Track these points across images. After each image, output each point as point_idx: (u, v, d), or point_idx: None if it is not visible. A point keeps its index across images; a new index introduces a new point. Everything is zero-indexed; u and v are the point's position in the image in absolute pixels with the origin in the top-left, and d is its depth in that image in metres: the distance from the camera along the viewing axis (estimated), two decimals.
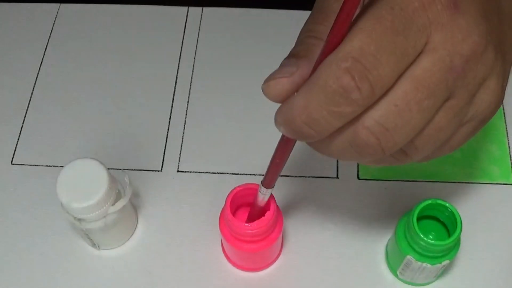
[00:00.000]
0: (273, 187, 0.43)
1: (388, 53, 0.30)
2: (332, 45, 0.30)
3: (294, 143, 0.37)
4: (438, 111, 0.32)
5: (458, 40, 0.31)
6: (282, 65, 0.34)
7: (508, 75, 0.36)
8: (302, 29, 0.36)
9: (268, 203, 0.46)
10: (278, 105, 0.34)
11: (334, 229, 0.53)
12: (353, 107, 0.30)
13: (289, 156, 0.39)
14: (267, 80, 0.34)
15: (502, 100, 0.36)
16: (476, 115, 0.35)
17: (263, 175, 0.56)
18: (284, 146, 0.38)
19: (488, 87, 0.33)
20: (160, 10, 0.67)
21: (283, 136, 0.37)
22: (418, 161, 0.36)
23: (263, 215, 0.46)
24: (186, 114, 0.60)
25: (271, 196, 0.46)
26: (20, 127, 0.60)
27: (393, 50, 0.30)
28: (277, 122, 0.34)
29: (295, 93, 0.32)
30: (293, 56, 0.34)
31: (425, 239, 0.44)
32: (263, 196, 0.44)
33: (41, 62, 0.64)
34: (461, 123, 0.34)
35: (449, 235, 0.46)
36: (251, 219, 0.47)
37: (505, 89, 0.35)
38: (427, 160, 0.36)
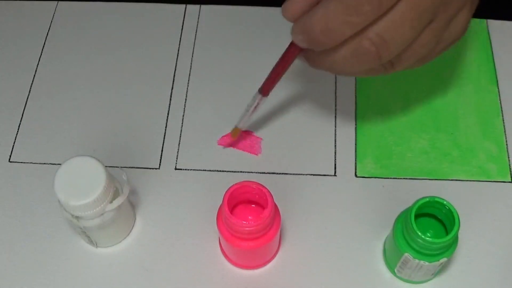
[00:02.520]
0: (267, 95, 0.49)
1: None
2: None
3: (297, 55, 0.44)
4: (423, 30, 0.41)
5: None
6: None
7: (474, 9, 0.46)
8: None
9: (265, 200, 0.46)
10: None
11: (331, 226, 0.53)
12: (363, 18, 0.38)
13: (289, 66, 0.45)
14: (285, 3, 0.41)
15: (466, 30, 0.45)
16: (448, 38, 0.44)
17: (260, 172, 0.56)
18: (289, 57, 0.45)
19: (461, 17, 0.43)
20: (157, 7, 0.67)
21: (290, 47, 0.44)
22: (399, 71, 0.44)
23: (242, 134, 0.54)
24: (184, 111, 0.60)
25: (269, 193, 0.46)
26: (18, 124, 0.60)
27: None
28: (294, 32, 0.41)
29: (316, 6, 0.39)
30: None
31: (423, 236, 0.44)
32: (256, 103, 0.50)
33: (39, 60, 0.64)
34: (437, 42, 0.43)
35: (447, 233, 0.46)
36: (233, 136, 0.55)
37: (469, 22, 0.45)
38: (406, 69, 0.45)
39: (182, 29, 0.66)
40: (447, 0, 0.40)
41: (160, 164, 0.57)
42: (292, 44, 0.44)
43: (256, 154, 0.57)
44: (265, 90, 0.49)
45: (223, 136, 0.58)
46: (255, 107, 0.51)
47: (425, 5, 0.39)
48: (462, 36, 0.45)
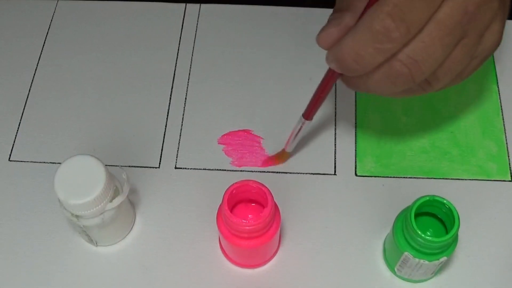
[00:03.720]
0: (311, 119, 0.50)
1: (420, 0, 0.38)
2: None
3: (336, 79, 0.45)
4: (455, 48, 0.41)
5: None
6: (330, 20, 0.43)
7: (506, 19, 0.45)
8: None
9: (265, 199, 0.46)
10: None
11: (331, 225, 0.54)
12: (393, 44, 0.39)
13: (330, 90, 0.47)
14: (319, 33, 0.42)
15: (501, 40, 0.44)
16: (483, 51, 0.43)
17: (260, 171, 0.56)
18: (328, 81, 0.46)
19: (493, 29, 0.42)
20: (157, 6, 0.67)
21: (328, 72, 0.45)
22: (437, 90, 0.44)
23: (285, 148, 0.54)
24: (184, 111, 0.60)
25: (269, 192, 0.46)
26: (18, 123, 0.60)
27: None
28: (328, 60, 0.43)
29: (346, 36, 0.40)
30: (337, 11, 0.43)
31: (423, 235, 0.44)
32: (300, 126, 0.51)
33: (39, 59, 0.64)
34: (472, 58, 0.43)
35: (447, 232, 0.46)
36: (281, 159, 0.56)
37: (503, 32, 0.44)
38: (444, 88, 0.45)
39: (182, 28, 0.66)
40: (476, 14, 0.40)
41: (160, 163, 0.57)
42: (329, 69, 0.45)
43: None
44: (308, 115, 0.50)
45: (223, 136, 0.58)
46: (299, 131, 0.52)
47: (453, 23, 0.39)
48: (496, 48, 0.45)
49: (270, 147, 0.58)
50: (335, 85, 0.61)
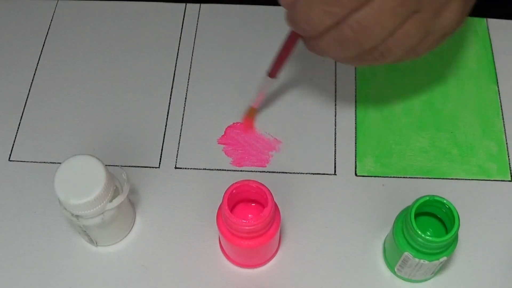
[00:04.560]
0: (275, 77, 0.52)
1: None
2: None
3: (297, 39, 0.47)
4: (407, 20, 0.41)
5: None
6: None
7: (471, 5, 0.45)
8: None
9: (265, 199, 0.46)
10: None
11: (331, 225, 0.54)
12: (341, 8, 0.40)
13: (292, 49, 0.49)
14: None
15: (462, 22, 0.45)
16: (439, 29, 0.43)
17: (260, 171, 0.56)
18: (289, 40, 0.48)
19: (451, 8, 0.42)
20: (157, 6, 0.67)
21: (290, 32, 0.47)
22: (390, 62, 0.44)
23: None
24: (184, 110, 0.60)
25: (269, 192, 0.46)
26: (18, 123, 0.60)
27: None
28: (286, 20, 0.44)
29: None
30: None
31: (423, 235, 0.44)
32: (265, 85, 0.53)
33: (39, 59, 0.64)
34: (427, 33, 0.43)
35: (447, 232, 0.46)
36: (249, 117, 0.58)
37: (467, 13, 0.45)
38: (399, 62, 0.45)
39: (182, 28, 0.66)
40: None
41: (160, 163, 0.57)
42: (291, 30, 0.47)
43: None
44: (272, 73, 0.52)
45: (222, 136, 0.58)
46: (266, 89, 0.54)
47: None
48: (455, 29, 0.45)
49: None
50: (335, 84, 0.61)
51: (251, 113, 0.58)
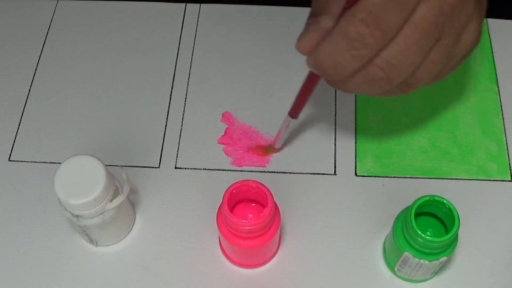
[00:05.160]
0: (297, 118, 0.51)
1: (394, 5, 0.38)
2: (351, 2, 0.39)
3: (319, 80, 0.46)
4: (432, 49, 0.41)
5: None
6: (307, 25, 0.43)
7: (483, 19, 0.45)
8: None
9: (265, 199, 0.46)
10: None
11: (331, 225, 0.53)
12: (368, 50, 0.39)
13: (313, 90, 0.48)
14: (299, 39, 0.43)
15: (479, 40, 0.45)
16: (460, 51, 0.43)
17: (260, 171, 0.56)
18: (310, 82, 0.47)
19: (470, 29, 0.42)
20: (157, 6, 0.67)
21: (310, 73, 0.46)
22: (416, 89, 0.44)
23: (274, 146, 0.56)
24: (184, 110, 0.60)
25: (269, 192, 0.46)
26: (18, 123, 0.60)
27: (398, 2, 0.38)
28: (308, 64, 0.43)
29: (322, 42, 0.41)
30: (314, 15, 0.42)
31: (423, 235, 0.44)
32: (286, 124, 0.52)
33: (39, 59, 0.64)
34: (450, 58, 0.43)
35: (447, 232, 0.46)
36: (267, 152, 0.57)
37: (481, 30, 0.45)
38: (424, 86, 0.45)
39: (182, 28, 0.66)
40: (452, 15, 0.40)
41: (160, 163, 0.57)
42: (311, 72, 0.46)
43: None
44: (294, 113, 0.51)
45: (222, 136, 0.58)
46: (287, 129, 0.53)
47: (429, 25, 0.39)
48: (474, 47, 0.45)
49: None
50: None
51: (270, 151, 0.57)
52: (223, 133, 0.58)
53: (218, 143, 0.58)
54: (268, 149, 0.57)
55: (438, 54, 0.41)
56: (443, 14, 0.39)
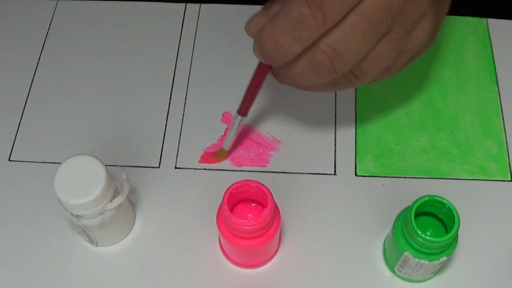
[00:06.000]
0: (246, 115, 0.50)
1: None
2: None
3: (267, 72, 0.45)
4: (379, 42, 0.40)
5: None
6: (260, 9, 0.42)
7: (442, 18, 0.44)
8: None
9: (265, 199, 0.46)
10: None
11: (331, 225, 0.54)
12: (309, 32, 0.39)
13: (262, 84, 0.47)
14: (248, 21, 0.43)
15: (434, 39, 0.44)
16: (411, 48, 0.43)
17: (260, 171, 0.56)
18: (259, 75, 0.46)
19: (422, 26, 0.42)
20: (157, 6, 0.67)
21: (259, 65, 0.46)
22: (366, 83, 0.44)
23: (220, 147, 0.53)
24: (184, 110, 0.60)
25: (269, 192, 0.46)
26: (18, 123, 0.60)
27: None
28: (254, 49, 0.42)
29: (266, 24, 0.40)
30: (269, 2, 0.42)
31: (423, 235, 0.44)
32: (237, 124, 0.51)
33: (39, 59, 0.64)
34: (399, 54, 0.42)
35: (447, 232, 0.46)
36: (219, 158, 0.56)
37: (438, 30, 0.44)
38: (373, 82, 0.45)
39: (182, 28, 0.66)
40: (402, 10, 0.39)
41: (160, 163, 0.57)
42: (259, 63, 0.45)
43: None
44: (243, 111, 0.50)
45: (222, 136, 0.58)
46: (237, 128, 0.52)
47: (377, 18, 0.39)
48: (428, 46, 0.44)
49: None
50: None
51: (221, 155, 0.56)
52: (223, 133, 0.58)
53: (218, 143, 0.58)
54: (218, 154, 0.56)
55: (386, 48, 0.41)
56: (392, 8, 0.39)
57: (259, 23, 0.42)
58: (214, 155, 0.56)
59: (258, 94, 0.48)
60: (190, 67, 0.63)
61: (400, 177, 0.56)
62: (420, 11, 0.41)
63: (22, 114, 0.60)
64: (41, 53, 0.64)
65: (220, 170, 0.56)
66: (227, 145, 0.55)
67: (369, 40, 0.40)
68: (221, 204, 0.47)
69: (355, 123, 0.59)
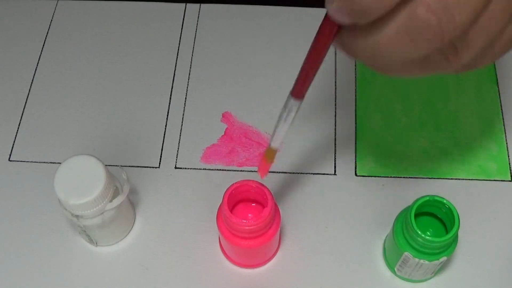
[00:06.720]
0: (303, 98, 0.37)
1: None
2: None
3: (333, 38, 0.33)
4: (491, 0, 0.30)
5: None
6: None
7: None
8: None
9: (265, 199, 0.46)
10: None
11: (331, 225, 0.53)
12: None
13: (324, 56, 0.34)
14: None
15: None
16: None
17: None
18: (323, 41, 0.33)
19: None
20: (157, 6, 0.67)
21: (323, 27, 0.32)
22: (463, 64, 0.33)
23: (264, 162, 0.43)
24: (184, 110, 0.60)
25: (269, 192, 0.46)
26: (18, 124, 0.60)
27: None
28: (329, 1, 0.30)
29: None
30: None
31: (423, 235, 0.44)
32: (287, 113, 0.38)
33: (39, 59, 0.64)
34: (510, 19, 0.32)
35: (447, 232, 0.46)
36: (270, 159, 0.43)
37: None
38: (471, 67, 0.34)
39: (182, 28, 0.66)
40: None
41: (160, 163, 0.57)
42: (326, 22, 0.32)
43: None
44: (299, 92, 0.37)
45: (222, 136, 0.58)
46: (289, 117, 0.39)
47: None
48: None
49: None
50: (335, 83, 0.61)
51: (270, 155, 0.44)
52: (223, 133, 0.58)
53: (218, 143, 0.58)
54: (267, 155, 0.44)
55: (498, 8, 0.31)
56: None
57: None
58: (264, 159, 0.44)
59: (318, 70, 0.35)
60: (190, 67, 0.63)
61: (400, 177, 0.56)
62: None
63: (22, 114, 0.60)
64: (41, 53, 0.64)
65: (220, 170, 0.56)
66: (276, 142, 0.41)
67: None
68: (221, 204, 0.47)
69: (355, 123, 0.59)
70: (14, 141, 0.59)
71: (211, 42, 0.65)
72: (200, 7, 0.67)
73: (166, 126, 0.59)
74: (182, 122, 0.59)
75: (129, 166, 0.57)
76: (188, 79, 0.62)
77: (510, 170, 0.56)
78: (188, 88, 0.62)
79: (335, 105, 0.60)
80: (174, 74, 0.62)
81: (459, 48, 0.32)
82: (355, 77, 0.62)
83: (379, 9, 0.29)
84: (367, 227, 0.53)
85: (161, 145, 0.58)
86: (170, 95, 0.61)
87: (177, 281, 0.51)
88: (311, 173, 0.56)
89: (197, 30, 0.65)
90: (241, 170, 0.56)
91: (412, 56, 0.31)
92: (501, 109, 0.60)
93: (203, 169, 0.57)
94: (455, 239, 0.46)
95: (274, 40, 0.64)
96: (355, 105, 0.60)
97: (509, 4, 0.31)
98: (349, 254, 0.52)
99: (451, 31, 0.30)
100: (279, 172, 0.56)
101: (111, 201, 0.48)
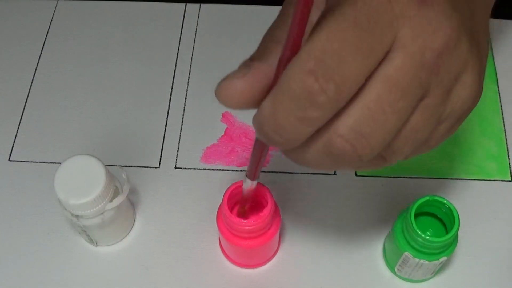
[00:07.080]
0: (258, 178, 0.41)
1: (354, 50, 0.28)
2: (292, 47, 0.29)
3: (267, 147, 0.36)
4: (414, 111, 0.31)
5: (428, 33, 0.29)
6: (237, 69, 0.33)
7: (485, 67, 0.35)
8: (264, 34, 0.35)
9: (265, 199, 0.46)
10: None
11: (331, 225, 0.54)
12: (321, 111, 0.29)
13: (266, 153, 0.37)
14: (219, 83, 0.32)
15: (480, 94, 0.34)
16: (453, 112, 0.33)
17: (261, 171, 0.56)
18: (260, 147, 0.36)
19: (464, 81, 0.32)
20: (157, 6, 0.67)
21: (256, 141, 0.36)
22: (394, 163, 0.34)
23: (259, 209, 0.46)
24: (184, 110, 0.60)
25: (269, 192, 0.46)
26: (18, 123, 0.60)
27: (359, 47, 0.28)
28: (253, 124, 0.32)
29: (265, 99, 0.31)
30: (249, 59, 0.33)
31: (423, 235, 0.44)
32: (248, 187, 0.42)
33: (39, 59, 0.64)
34: (438, 122, 0.33)
35: (447, 232, 0.46)
36: (242, 215, 0.46)
37: (482, 82, 0.34)
38: (405, 159, 0.35)
39: (182, 28, 0.66)
40: (438, 64, 0.30)
41: (160, 163, 0.57)
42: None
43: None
44: (252, 175, 0.41)
45: (222, 136, 0.58)
46: (249, 190, 0.43)
47: (408, 79, 0.29)
48: (473, 106, 0.35)
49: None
50: None
51: (242, 211, 0.47)
52: (223, 133, 0.58)
53: (218, 143, 0.58)
54: (241, 210, 0.47)
55: (422, 118, 0.31)
56: (425, 65, 0.30)
57: (234, 87, 0.32)
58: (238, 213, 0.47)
59: (264, 157, 0.38)
60: (190, 67, 0.63)
61: (400, 177, 0.56)
62: (460, 62, 0.31)
63: (22, 114, 0.60)
64: (41, 53, 0.64)
65: (220, 170, 0.56)
66: (243, 202, 0.46)
67: (401, 113, 0.30)
68: (221, 204, 0.47)
69: None
70: (14, 141, 0.59)
71: (211, 42, 0.65)
72: (200, 7, 0.67)
73: (166, 126, 0.59)
74: (182, 122, 0.59)
75: (129, 166, 0.57)
76: (188, 79, 0.62)
77: (510, 170, 0.56)
78: (188, 88, 0.62)
79: None
80: (174, 74, 0.62)
81: (386, 157, 0.33)
82: None
83: (290, 145, 0.31)
84: (367, 227, 0.53)
85: (161, 145, 0.58)
86: (170, 95, 0.61)
87: (177, 281, 0.51)
88: (311, 173, 0.56)
89: (197, 30, 0.65)
90: (241, 170, 0.56)
91: (339, 169, 0.33)
92: (501, 109, 0.60)
93: (203, 169, 0.57)
94: (455, 239, 0.46)
95: None
96: None
97: (436, 111, 0.32)
98: (349, 254, 0.52)
99: (368, 154, 0.31)
100: (279, 172, 0.56)
101: (111, 201, 0.48)
